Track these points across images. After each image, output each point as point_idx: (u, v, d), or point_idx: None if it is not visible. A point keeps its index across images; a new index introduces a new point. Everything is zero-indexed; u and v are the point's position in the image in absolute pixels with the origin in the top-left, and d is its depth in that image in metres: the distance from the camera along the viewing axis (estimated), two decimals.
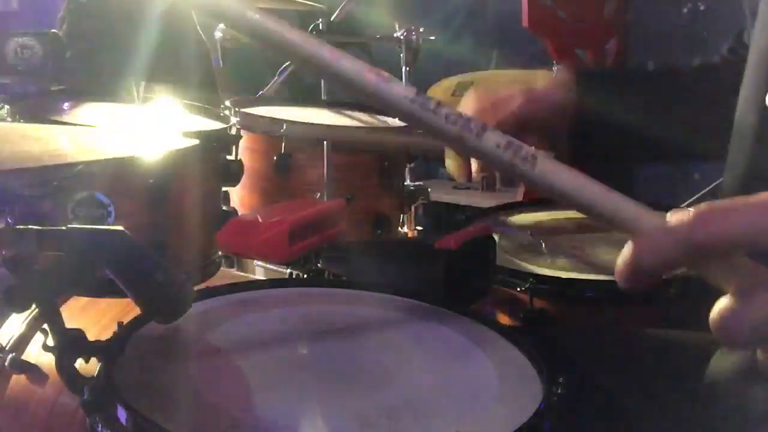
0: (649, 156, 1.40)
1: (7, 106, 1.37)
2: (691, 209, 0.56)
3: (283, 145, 1.67)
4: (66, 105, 1.55)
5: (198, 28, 2.51)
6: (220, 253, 1.47)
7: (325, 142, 1.67)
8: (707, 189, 2.74)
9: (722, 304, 0.57)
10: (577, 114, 1.19)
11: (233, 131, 1.54)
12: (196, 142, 1.24)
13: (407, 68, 2.33)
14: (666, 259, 0.57)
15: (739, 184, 0.94)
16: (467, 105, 1.18)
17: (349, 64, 0.62)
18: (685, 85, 1.22)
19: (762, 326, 0.55)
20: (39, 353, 1.33)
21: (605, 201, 0.59)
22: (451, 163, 1.22)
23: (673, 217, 0.57)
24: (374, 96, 0.62)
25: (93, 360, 0.88)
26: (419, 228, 2.02)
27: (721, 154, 1.04)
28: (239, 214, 1.54)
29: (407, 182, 1.95)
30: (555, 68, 1.96)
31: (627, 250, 0.58)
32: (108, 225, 1.24)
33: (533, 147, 0.60)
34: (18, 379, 1.34)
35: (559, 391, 0.84)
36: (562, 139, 1.19)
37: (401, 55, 2.33)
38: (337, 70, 0.62)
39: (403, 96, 0.61)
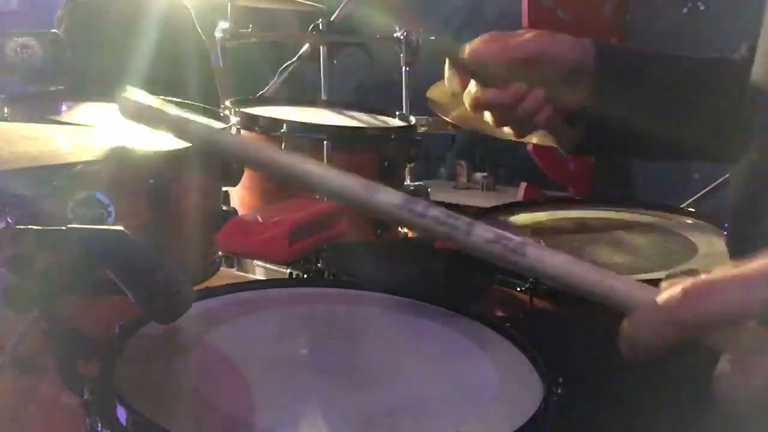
0: (656, 154, 1.33)
1: (7, 107, 1.37)
2: (680, 287, 0.58)
3: (283, 145, 1.67)
4: (65, 105, 1.55)
5: (197, 27, 2.51)
6: (220, 253, 1.47)
7: (325, 142, 1.67)
8: (707, 189, 2.74)
9: (721, 368, 0.58)
10: (590, 89, 1.08)
11: (233, 131, 1.54)
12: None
13: (407, 68, 2.33)
14: (658, 335, 0.59)
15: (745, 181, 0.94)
16: (476, 43, 1.07)
17: (337, 180, 0.67)
18: (705, 79, 1.13)
19: (760, 392, 0.56)
20: (39, 353, 1.33)
21: (597, 282, 0.63)
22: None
23: (662, 295, 0.58)
24: (365, 207, 0.67)
25: (93, 360, 0.88)
26: None
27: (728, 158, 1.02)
28: (239, 214, 1.54)
29: (407, 182, 1.96)
30: None
31: (624, 325, 0.60)
32: (108, 225, 1.24)
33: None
34: (18, 379, 1.34)
35: (559, 391, 0.84)
36: (578, 83, 1.07)
37: (401, 55, 2.33)
38: (326, 186, 0.68)
39: (391, 203, 0.65)
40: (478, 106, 1.06)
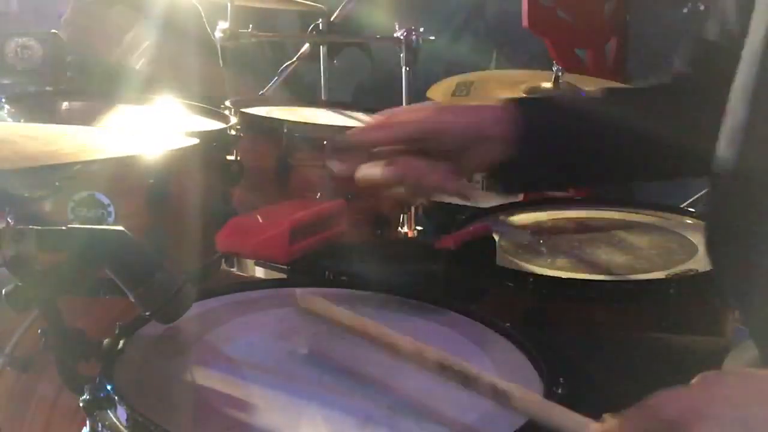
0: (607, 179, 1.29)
1: (7, 106, 1.37)
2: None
3: (283, 145, 1.67)
4: (65, 105, 1.55)
5: (207, 26, 2.51)
6: (220, 253, 1.47)
7: (325, 142, 1.67)
8: (707, 189, 2.74)
9: None
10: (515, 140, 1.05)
11: (233, 131, 1.54)
12: (196, 142, 1.24)
13: (407, 68, 2.33)
14: None
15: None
16: (372, 121, 1.08)
17: None
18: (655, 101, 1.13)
19: None
20: (39, 353, 1.33)
21: (567, 420, 0.75)
22: None
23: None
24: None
25: (93, 360, 0.88)
26: (419, 228, 2.02)
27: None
28: (239, 214, 1.54)
29: None
30: (555, 68, 1.95)
31: None
32: (108, 225, 1.24)
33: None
34: (18, 379, 1.34)
35: (559, 391, 0.84)
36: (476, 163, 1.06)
37: (401, 55, 2.33)
38: None
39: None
40: (371, 186, 1.03)
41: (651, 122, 1.06)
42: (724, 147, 0.91)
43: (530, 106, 1.12)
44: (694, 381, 0.70)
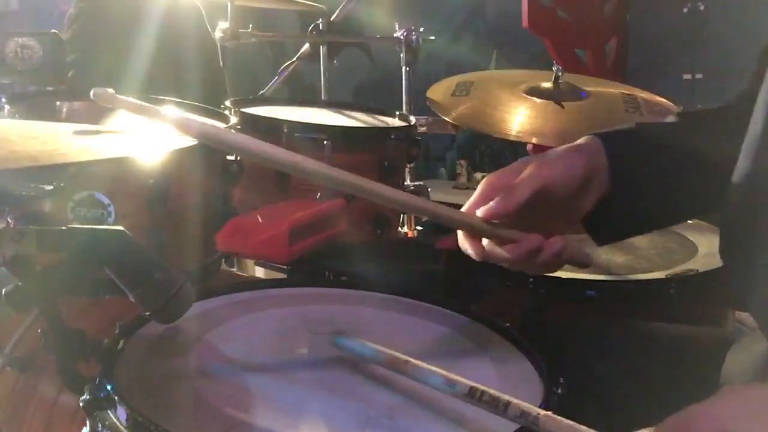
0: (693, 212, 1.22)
1: (7, 106, 1.37)
2: None
3: (283, 145, 1.67)
4: (65, 105, 1.55)
5: (208, 26, 2.51)
6: (220, 253, 1.47)
7: (325, 142, 1.67)
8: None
9: None
10: (610, 179, 1.01)
11: (233, 131, 1.53)
12: (196, 142, 1.24)
13: (407, 68, 2.33)
14: None
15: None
16: (478, 193, 1.01)
17: None
18: (717, 126, 1.06)
19: None
20: (39, 353, 1.33)
21: None
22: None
23: None
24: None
25: (93, 360, 0.88)
26: (419, 228, 2.02)
27: None
28: (239, 214, 1.54)
29: (407, 182, 1.95)
30: (555, 68, 1.95)
31: None
32: (108, 225, 1.24)
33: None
34: (18, 379, 1.34)
35: (559, 391, 0.84)
36: (580, 212, 1.02)
37: (401, 55, 2.33)
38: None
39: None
40: (493, 259, 1.00)
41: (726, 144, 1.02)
42: (742, 155, 0.92)
43: (614, 142, 1.04)
44: (718, 395, 0.72)
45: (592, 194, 1.00)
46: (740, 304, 1.19)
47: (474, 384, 0.81)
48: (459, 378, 0.82)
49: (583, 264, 1.04)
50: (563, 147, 1.02)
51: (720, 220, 0.99)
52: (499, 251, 0.97)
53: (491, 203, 0.97)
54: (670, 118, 1.10)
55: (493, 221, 0.96)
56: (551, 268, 1.01)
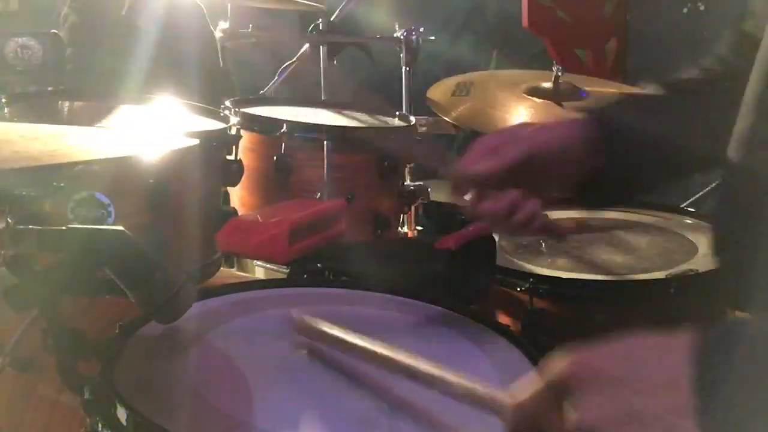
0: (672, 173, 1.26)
1: (7, 106, 1.37)
2: None
3: (283, 145, 1.67)
4: (65, 105, 1.55)
5: (209, 24, 2.51)
6: (220, 253, 1.47)
7: (325, 142, 1.67)
8: (707, 189, 2.74)
9: None
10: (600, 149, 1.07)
11: (233, 131, 1.54)
12: (196, 142, 1.24)
13: (407, 68, 2.33)
14: None
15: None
16: (474, 148, 1.09)
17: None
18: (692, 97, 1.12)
19: None
20: (39, 353, 1.33)
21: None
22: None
23: None
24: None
25: (93, 360, 0.88)
26: (419, 228, 2.02)
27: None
28: (239, 214, 1.54)
29: (407, 182, 1.95)
30: (555, 68, 1.95)
31: None
32: (108, 225, 1.24)
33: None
34: (18, 379, 1.34)
35: None
36: (569, 179, 1.09)
37: (401, 55, 2.33)
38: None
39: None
40: (475, 215, 1.09)
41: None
42: (733, 150, 0.92)
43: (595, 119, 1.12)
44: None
45: (586, 164, 1.06)
46: (740, 305, 1.20)
47: (441, 373, 0.80)
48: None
49: (555, 236, 1.14)
50: (564, 117, 1.08)
51: (712, 220, 0.99)
52: (483, 205, 1.05)
53: (480, 162, 1.04)
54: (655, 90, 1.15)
55: None
56: (527, 230, 1.08)
